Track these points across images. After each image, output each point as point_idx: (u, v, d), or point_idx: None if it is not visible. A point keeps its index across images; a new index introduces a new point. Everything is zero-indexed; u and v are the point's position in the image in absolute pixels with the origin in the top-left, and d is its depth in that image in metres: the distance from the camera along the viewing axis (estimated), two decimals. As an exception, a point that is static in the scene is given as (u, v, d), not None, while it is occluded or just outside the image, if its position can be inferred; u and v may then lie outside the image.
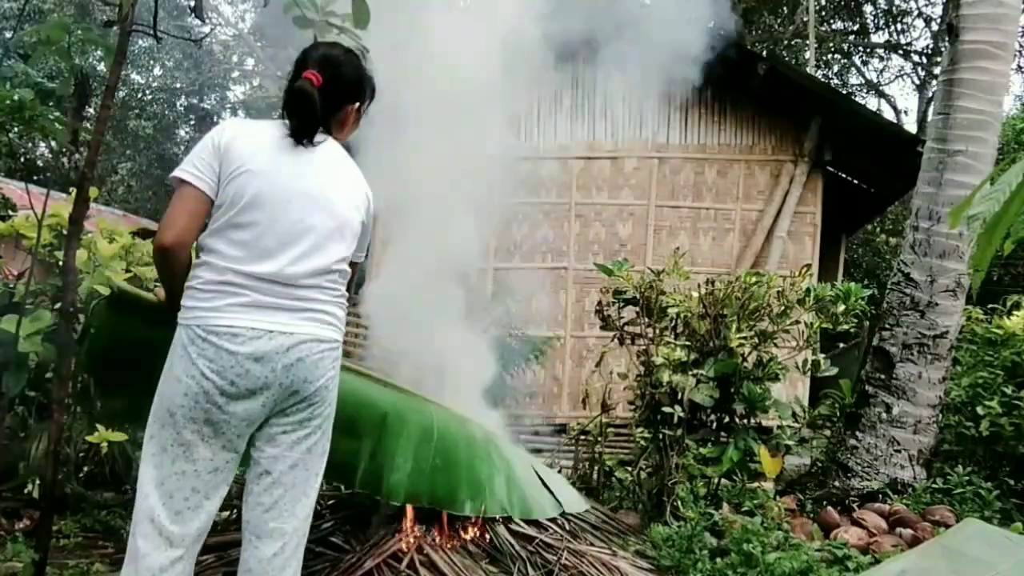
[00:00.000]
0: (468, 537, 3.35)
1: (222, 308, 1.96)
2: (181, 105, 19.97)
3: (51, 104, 10.48)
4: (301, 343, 2.02)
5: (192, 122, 20.29)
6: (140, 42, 16.36)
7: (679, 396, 4.22)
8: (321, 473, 2.16)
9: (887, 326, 5.08)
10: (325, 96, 2.05)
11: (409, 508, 3.20)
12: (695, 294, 4.51)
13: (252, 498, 2.07)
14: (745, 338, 4.36)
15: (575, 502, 3.77)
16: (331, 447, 2.21)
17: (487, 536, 3.39)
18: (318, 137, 2.10)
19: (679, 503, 3.98)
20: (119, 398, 2.46)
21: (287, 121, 2.07)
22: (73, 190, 1.92)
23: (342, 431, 2.41)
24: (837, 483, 4.93)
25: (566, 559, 3.31)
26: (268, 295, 1.99)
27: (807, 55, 14.78)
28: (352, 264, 2.23)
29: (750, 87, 8.07)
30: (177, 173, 2.00)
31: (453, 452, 3.16)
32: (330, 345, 2.09)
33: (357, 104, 2.21)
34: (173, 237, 1.97)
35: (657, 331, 4.58)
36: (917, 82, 19.07)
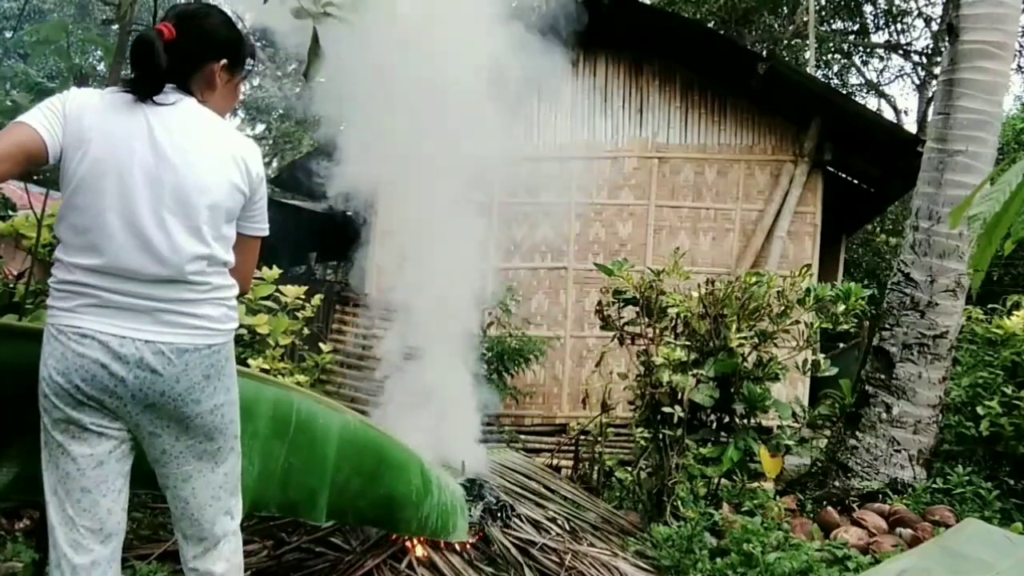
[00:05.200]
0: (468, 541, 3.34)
1: (75, 309, 1.80)
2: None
3: (51, 104, 10.47)
4: (158, 353, 1.81)
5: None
6: (140, 42, 16.32)
7: (679, 396, 4.22)
8: (232, 469, 2.03)
9: (887, 326, 5.08)
10: (178, 49, 1.85)
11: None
12: (695, 294, 4.51)
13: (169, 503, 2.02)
14: (745, 338, 4.36)
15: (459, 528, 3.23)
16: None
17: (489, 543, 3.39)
18: (171, 96, 1.87)
19: (679, 503, 3.98)
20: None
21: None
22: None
23: None
24: (837, 483, 4.93)
25: (568, 561, 3.31)
26: (119, 294, 1.80)
27: (807, 55, 14.77)
28: (249, 239, 2.03)
29: (750, 87, 8.06)
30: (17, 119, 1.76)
31: (317, 448, 2.57)
32: (201, 353, 1.87)
33: (223, 62, 1.97)
34: None
35: (657, 331, 4.57)
36: (917, 82, 19.04)
